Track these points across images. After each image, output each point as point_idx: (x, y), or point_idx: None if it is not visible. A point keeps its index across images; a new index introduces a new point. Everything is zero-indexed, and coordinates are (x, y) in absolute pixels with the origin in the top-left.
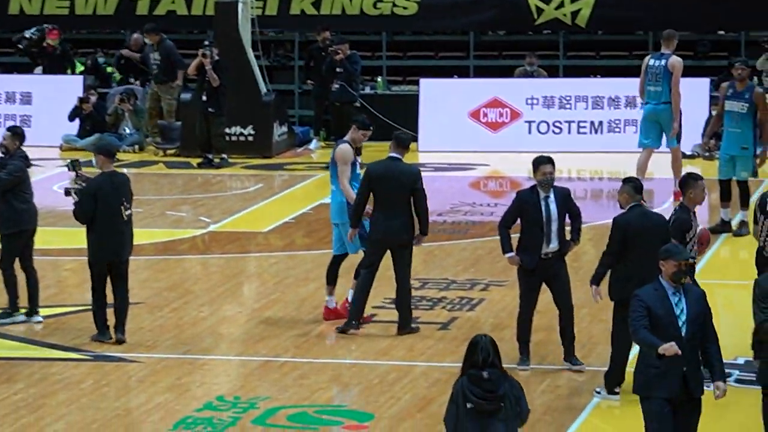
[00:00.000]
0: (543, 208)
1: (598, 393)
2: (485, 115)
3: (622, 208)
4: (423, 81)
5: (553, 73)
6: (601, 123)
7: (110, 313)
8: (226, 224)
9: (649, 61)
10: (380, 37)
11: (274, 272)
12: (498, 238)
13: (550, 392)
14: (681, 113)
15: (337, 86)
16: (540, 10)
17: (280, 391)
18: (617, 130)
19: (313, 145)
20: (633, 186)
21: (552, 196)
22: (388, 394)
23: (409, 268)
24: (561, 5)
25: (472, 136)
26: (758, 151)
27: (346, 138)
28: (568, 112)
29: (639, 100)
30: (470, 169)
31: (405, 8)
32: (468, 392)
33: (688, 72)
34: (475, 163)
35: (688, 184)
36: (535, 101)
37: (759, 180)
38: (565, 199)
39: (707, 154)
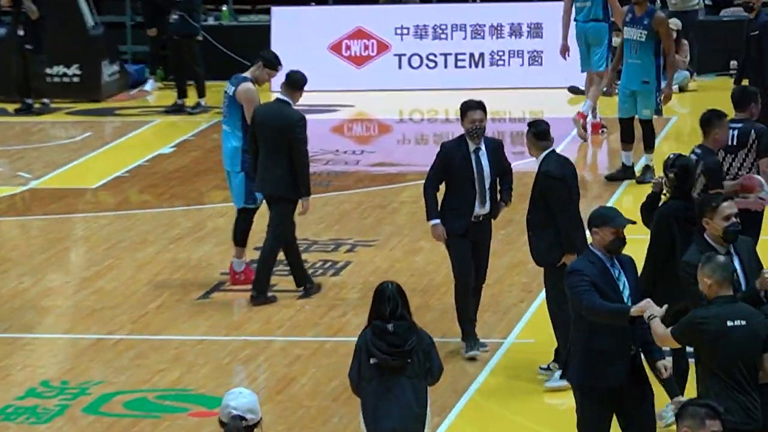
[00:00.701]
0: (473, 163)
1: (545, 370)
2: (348, 48)
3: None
4: (275, 9)
5: None
6: (482, 55)
7: None
8: (49, 180)
9: None
10: None
11: (106, 235)
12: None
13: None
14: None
15: (176, 17)
16: None
17: (116, 373)
18: (501, 63)
19: (148, 86)
20: (534, 132)
21: (483, 148)
22: (242, 374)
23: (278, 228)
24: None
25: (334, 72)
26: (662, 86)
27: (247, 74)
28: (443, 43)
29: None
30: (332, 110)
31: None
32: (372, 346)
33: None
34: (337, 104)
35: (711, 122)
36: (405, 31)
37: (665, 118)
38: (497, 152)
39: (605, 89)
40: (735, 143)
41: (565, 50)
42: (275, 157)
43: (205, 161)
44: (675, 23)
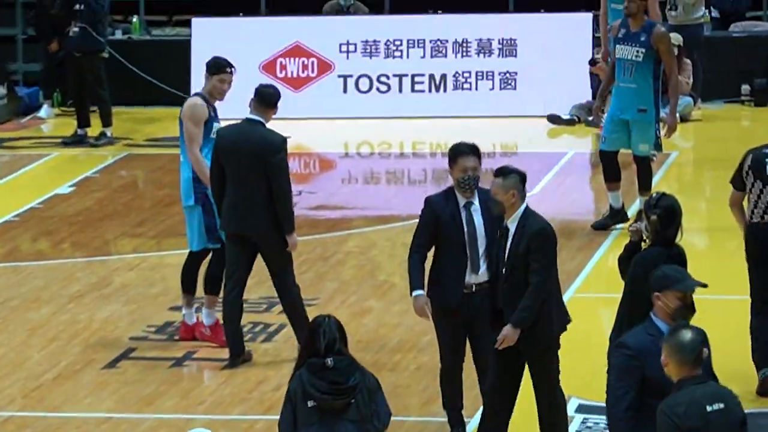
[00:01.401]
0: (464, 221)
1: None
2: (284, 67)
3: (499, 212)
4: (196, 21)
5: (376, 8)
6: (444, 77)
7: None
8: None
9: None
10: None
11: None
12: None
13: None
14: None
15: (76, 29)
16: None
17: None
18: (466, 86)
19: (43, 112)
20: (522, 178)
21: (476, 202)
22: None
23: (288, 278)
24: None
25: None
26: (662, 115)
27: (201, 90)
28: (397, 63)
29: (601, 29)
30: None
31: None
32: (309, 387)
33: (562, 4)
34: None
35: None
36: (351, 48)
37: (664, 154)
38: None
39: (590, 119)
40: None
41: (606, 56)
42: (254, 190)
43: (111, 203)
44: (676, 39)
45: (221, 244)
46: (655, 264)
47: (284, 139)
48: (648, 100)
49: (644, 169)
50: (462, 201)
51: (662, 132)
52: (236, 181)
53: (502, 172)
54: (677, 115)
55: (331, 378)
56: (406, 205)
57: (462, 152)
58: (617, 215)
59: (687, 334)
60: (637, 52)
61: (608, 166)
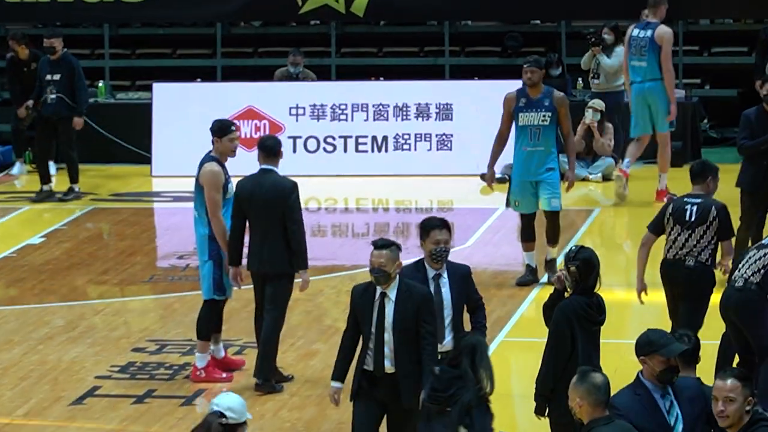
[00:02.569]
0: (433, 291)
1: None
2: (238, 129)
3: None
4: (157, 86)
5: (323, 75)
6: (385, 138)
7: None
8: None
9: (632, 31)
10: (101, 30)
11: None
12: None
13: None
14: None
15: (53, 97)
16: None
17: None
18: (406, 147)
19: (15, 169)
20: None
21: (445, 274)
22: None
23: (278, 308)
24: None
25: None
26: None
27: (212, 152)
28: (343, 125)
29: (625, 83)
30: None
31: None
32: None
33: (494, 73)
34: None
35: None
36: (300, 111)
37: (587, 210)
38: (463, 281)
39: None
40: (693, 219)
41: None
42: (270, 231)
43: (78, 253)
44: (599, 105)
45: (225, 297)
46: (575, 313)
47: (295, 184)
48: (554, 159)
49: (554, 224)
50: (431, 272)
51: (564, 187)
52: (257, 226)
53: (386, 245)
54: (598, 174)
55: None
56: (350, 256)
57: (434, 225)
58: (534, 273)
59: (598, 377)
60: (544, 116)
61: (527, 227)
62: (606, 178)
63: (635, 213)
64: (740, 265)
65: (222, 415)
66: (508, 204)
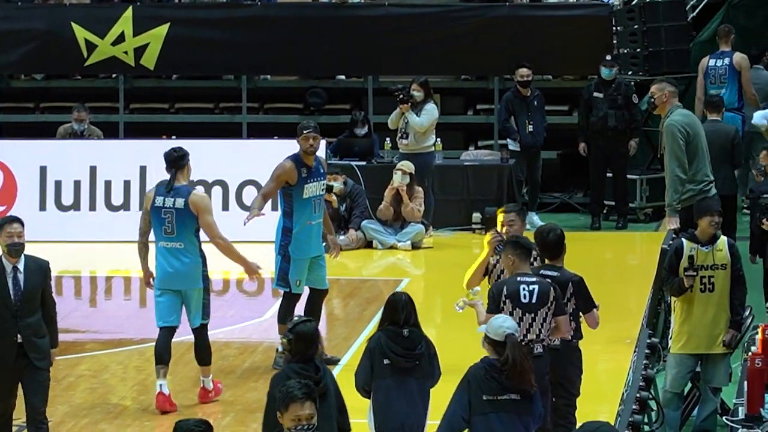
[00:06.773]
0: None
1: None
2: None
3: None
4: None
5: (111, 132)
6: None
7: None
8: None
9: (709, 61)
10: None
11: None
12: None
13: None
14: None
15: None
16: (92, 47)
17: None
18: None
19: None
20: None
21: None
22: None
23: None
24: (120, 40)
25: None
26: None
27: (183, 184)
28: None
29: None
30: None
31: None
32: (386, 348)
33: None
34: None
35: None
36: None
37: (395, 280)
38: None
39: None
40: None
41: None
42: None
43: None
44: (408, 167)
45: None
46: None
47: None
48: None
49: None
50: None
51: (332, 254)
52: None
53: None
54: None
55: (405, 344)
56: (138, 329)
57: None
58: None
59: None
60: (323, 186)
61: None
62: (415, 245)
63: (445, 282)
64: None
65: None
66: (286, 285)
